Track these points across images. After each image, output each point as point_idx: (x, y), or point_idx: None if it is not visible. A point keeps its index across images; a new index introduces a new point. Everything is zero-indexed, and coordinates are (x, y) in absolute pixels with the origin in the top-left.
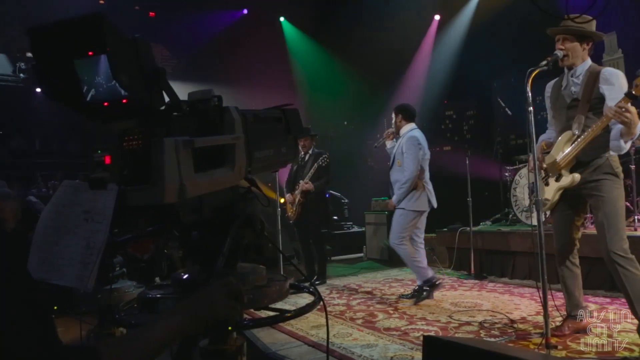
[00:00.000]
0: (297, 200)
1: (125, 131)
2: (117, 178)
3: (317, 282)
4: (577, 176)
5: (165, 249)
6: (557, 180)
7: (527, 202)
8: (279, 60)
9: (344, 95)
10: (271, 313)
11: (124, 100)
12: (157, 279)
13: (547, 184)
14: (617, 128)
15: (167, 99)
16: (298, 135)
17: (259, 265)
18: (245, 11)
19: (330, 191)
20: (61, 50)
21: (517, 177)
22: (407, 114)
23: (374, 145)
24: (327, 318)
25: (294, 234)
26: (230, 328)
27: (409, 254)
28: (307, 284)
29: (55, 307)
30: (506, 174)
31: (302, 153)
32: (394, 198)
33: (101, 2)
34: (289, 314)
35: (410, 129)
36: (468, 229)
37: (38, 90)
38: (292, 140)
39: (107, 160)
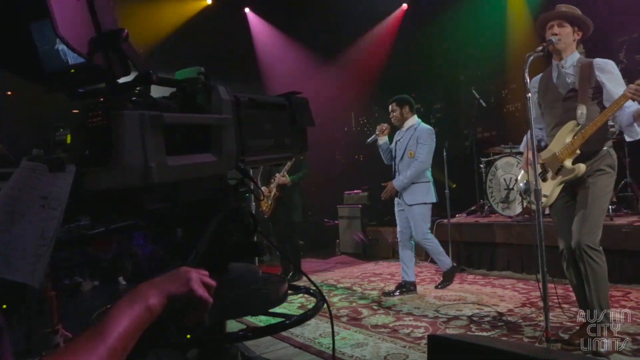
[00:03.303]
0: (272, 194)
1: (89, 106)
2: (77, 159)
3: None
4: (582, 166)
5: (129, 247)
6: (557, 173)
7: (503, 194)
8: (244, 51)
9: (308, 86)
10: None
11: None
12: (121, 279)
13: (544, 180)
14: (628, 112)
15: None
16: (306, 126)
17: (253, 265)
18: (210, 0)
19: None
20: (12, 16)
21: (492, 169)
22: (413, 106)
23: (367, 142)
24: (332, 322)
25: (269, 230)
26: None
27: (436, 246)
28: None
29: (4, 306)
30: (481, 165)
31: None
32: (397, 183)
33: None
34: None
35: (418, 121)
36: (445, 221)
37: None
38: (299, 131)
39: (68, 139)
